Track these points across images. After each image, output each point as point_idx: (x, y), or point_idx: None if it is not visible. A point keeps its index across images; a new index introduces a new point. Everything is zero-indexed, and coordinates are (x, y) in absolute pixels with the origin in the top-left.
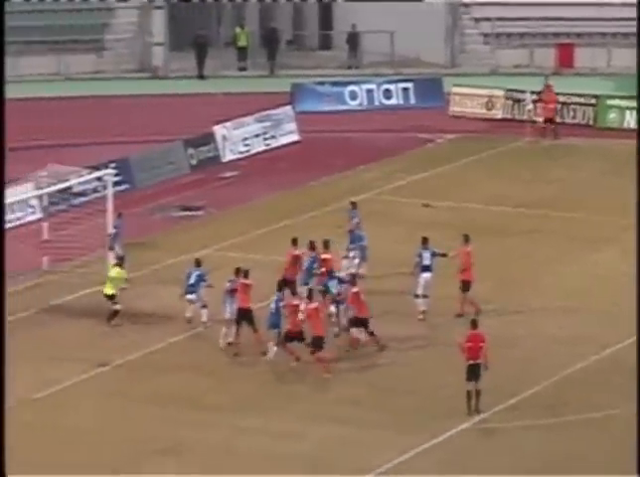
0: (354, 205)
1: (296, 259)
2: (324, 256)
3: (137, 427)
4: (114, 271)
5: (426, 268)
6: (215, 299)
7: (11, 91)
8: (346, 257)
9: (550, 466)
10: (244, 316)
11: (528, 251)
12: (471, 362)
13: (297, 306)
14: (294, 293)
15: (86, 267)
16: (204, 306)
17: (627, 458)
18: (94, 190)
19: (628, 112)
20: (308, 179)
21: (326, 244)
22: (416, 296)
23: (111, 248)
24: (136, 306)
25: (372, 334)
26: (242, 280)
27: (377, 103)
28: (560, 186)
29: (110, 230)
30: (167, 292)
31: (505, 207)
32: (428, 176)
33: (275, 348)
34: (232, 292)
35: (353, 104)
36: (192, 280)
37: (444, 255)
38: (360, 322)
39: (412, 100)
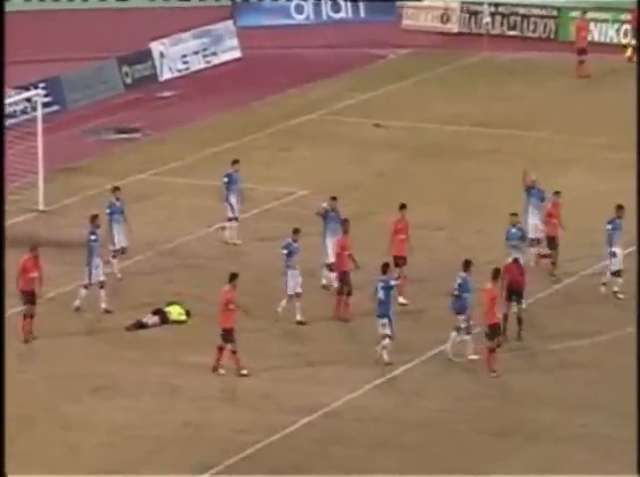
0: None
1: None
2: None
3: (70, 364)
4: None
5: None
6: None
7: None
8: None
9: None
10: None
11: (486, 174)
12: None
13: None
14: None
15: (17, 194)
16: None
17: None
18: (23, 111)
19: (592, 25)
20: (251, 98)
21: None
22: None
23: (227, 203)
24: (68, 235)
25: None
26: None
27: (324, 17)
28: (520, 103)
29: (223, 178)
30: (102, 219)
31: (462, 126)
32: (380, 94)
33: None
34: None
35: (299, 18)
36: None
37: None
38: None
39: (362, 14)
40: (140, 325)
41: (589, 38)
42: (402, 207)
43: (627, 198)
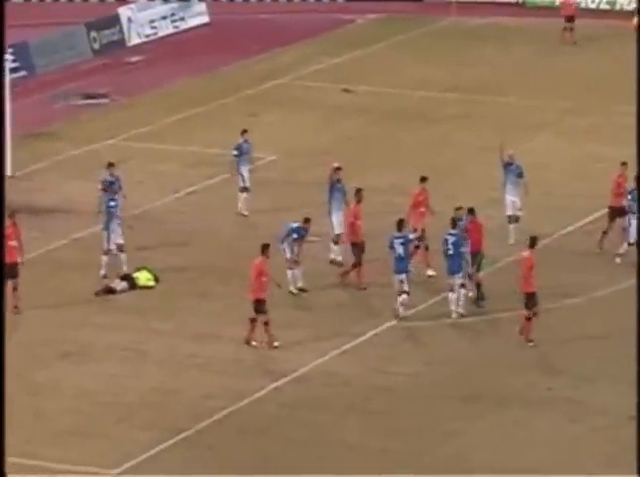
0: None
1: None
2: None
3: (39, 330)
4: None
5: None
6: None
7: None
8: None
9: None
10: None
11: (455, 139)
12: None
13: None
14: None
15: None
16: None
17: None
18: None
19: None
20: (219, 63)
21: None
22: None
23: (239, 173)
24: (36, 200)
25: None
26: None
27: None
28: (489, 68)
29: (233, 150)
30: (70, 185)
31: (430, 91)
32: (348, 59)
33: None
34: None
35: None
36: None
37: None
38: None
39: None
40: (109, 290)
41: (558, 3)
42: (423, 179)
43: (593, 163)
